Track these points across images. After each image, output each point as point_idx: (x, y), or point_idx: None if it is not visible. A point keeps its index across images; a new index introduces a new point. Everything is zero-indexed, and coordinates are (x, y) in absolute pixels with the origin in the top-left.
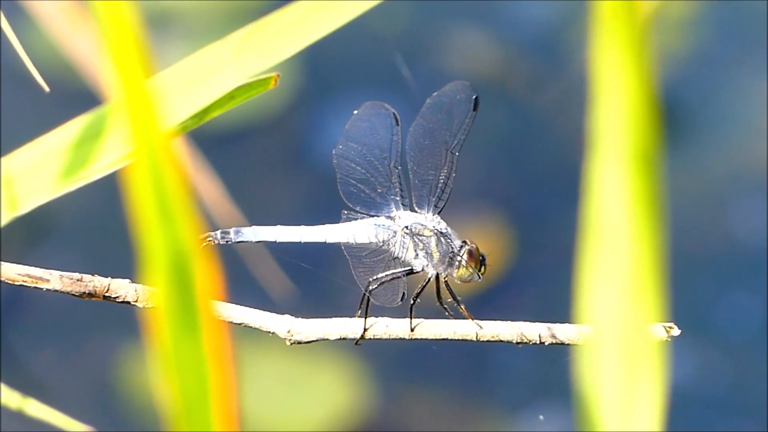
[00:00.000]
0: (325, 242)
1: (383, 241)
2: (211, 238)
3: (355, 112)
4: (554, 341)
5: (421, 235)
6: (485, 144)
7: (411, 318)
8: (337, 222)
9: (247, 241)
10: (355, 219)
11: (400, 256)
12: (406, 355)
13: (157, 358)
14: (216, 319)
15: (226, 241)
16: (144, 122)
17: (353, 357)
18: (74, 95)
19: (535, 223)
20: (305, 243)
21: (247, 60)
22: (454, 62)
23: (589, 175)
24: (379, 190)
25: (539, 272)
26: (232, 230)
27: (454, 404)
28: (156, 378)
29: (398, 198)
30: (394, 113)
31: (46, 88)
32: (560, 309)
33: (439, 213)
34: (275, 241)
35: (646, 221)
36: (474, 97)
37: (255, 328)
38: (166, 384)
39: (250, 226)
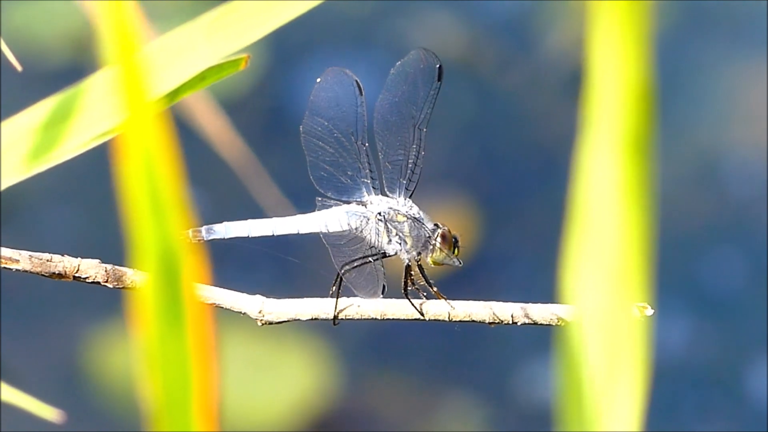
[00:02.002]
0: (299, 233)
1: (356, 228)
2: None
3: (318, 80)
4: (527, 321)
5: (394, 221)
6: (453, 125)
7: (412, 304)
8: (312, 211)
9: (219, 239)
10: (328, 207)
11: (374, 242)
12: (374, 338)
13: (138, 342)
14: (201, 308)
15: (198, 240)
16: (134, 93)
17: (321, 340)
18: (47, 75)
19: (503, 204)
20: (278, 236)
21: (219, 41)
22: (422, 43)
23: (579, 157)
24: (349, 173)
25: (507, 252)
26: (203, 228)
27: (421, 388)
28: (135, 364)
29: (369, 180)
30: (356, 81)
31: (19, 67)
32: (529, 288)
33: (410, 195)
34: (248, 236)
35: (635, 204)
36: (437, 66)
37: (226, 309)
38: (148, 372)
39: (222, 222)
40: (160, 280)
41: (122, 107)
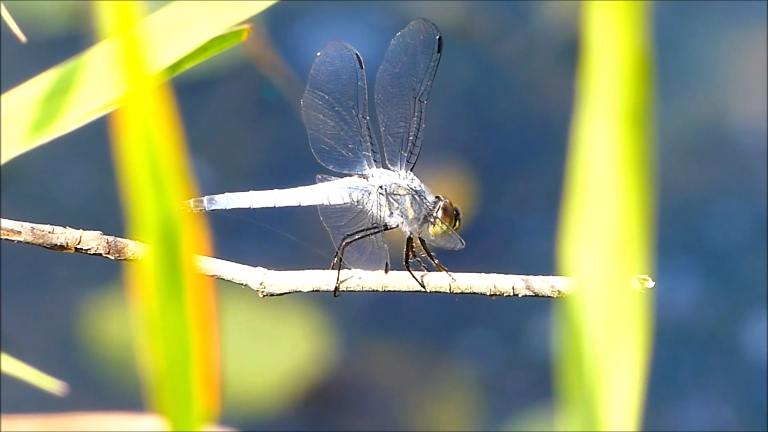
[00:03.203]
0: (300, 205)
1: (358, 201)
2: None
3: (318, 54)
4: (528, 293)
5: (395, 194)
6: (449, 94)
7: (413, 276)
8: (311, 184)
9: (220, 209)
10: (329, 180)
11: (375, 215)
12: (371, 308)
13: (139, 313)
14: (201, 278)
15: (199, 210)
16: (133, 66)
17: (318, 310)
18: (46, 44)
19: (500, 172)
20: (280, 207)
21: (221, 12)
22: (418, 12)
23: (578, 128)
24: (350, 146)
25: (504, 221)
26: (205, 198)
27: (419, 357)
28: (134, 334)
29: (370, 153)
30: (357, 54)
31: (23, 38)
32: (527, 256)
33: (412, 168)
34: (249, 207)
35: (634, 174)
36: (437, 37)
37: (228, 280)
38: (149, 342)
39: (223, 193)
40: (160, 251)
41: (122, 80)
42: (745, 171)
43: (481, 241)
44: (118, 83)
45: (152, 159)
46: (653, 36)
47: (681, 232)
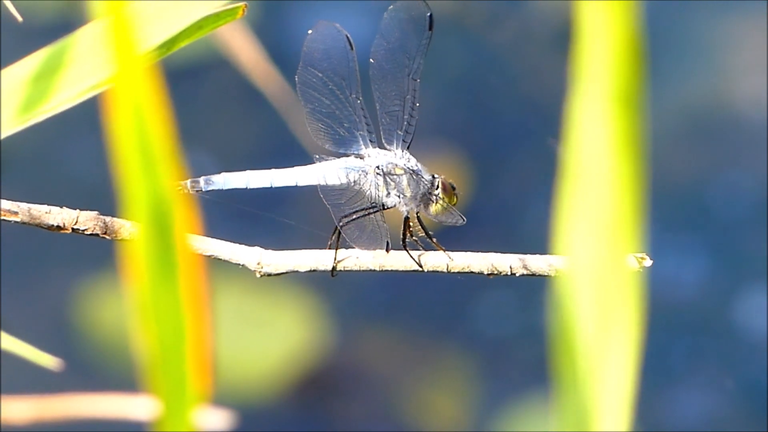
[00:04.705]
0: (297, 185)
1: (354, 181)
2: (180, 187)
3: (310, 31)
4: (526, 272)
5: (392, 174)
6: (443, 80)
7: (410, 255)
8: (308, 164)
9: (217, 190)
10: (327, 160)
11: (373, 195)
12: (366, 294)
13: (131, 295)
14: (194, 259)
15: (196, 191)
16: (123, 45)
17: (313, 296)
18: (49, 32)
19: (494, 158)
20: (276, 188)
21: None
22: None
23: (571, 110)
24: (346, 125)
25: (500, 205)
26: (201, 179)
27: (414, 344)
28: (128, 317)
29: (365, 133)
30: (347, 36)
31: (19, 18)
32: (522, 240)
33: (408, 147)
34: (246, 188)
35: (627, 157)
36: (428, 14)
37: (225, 261)
38: (142, 324)
39: (220, 173)
40: (152, 231)
41: (111, 60)
42: (749, 146)
43: (476, 227)
44: (108, 63)
45: (142, 139)
46: (659, 19)
47: (685, 209)
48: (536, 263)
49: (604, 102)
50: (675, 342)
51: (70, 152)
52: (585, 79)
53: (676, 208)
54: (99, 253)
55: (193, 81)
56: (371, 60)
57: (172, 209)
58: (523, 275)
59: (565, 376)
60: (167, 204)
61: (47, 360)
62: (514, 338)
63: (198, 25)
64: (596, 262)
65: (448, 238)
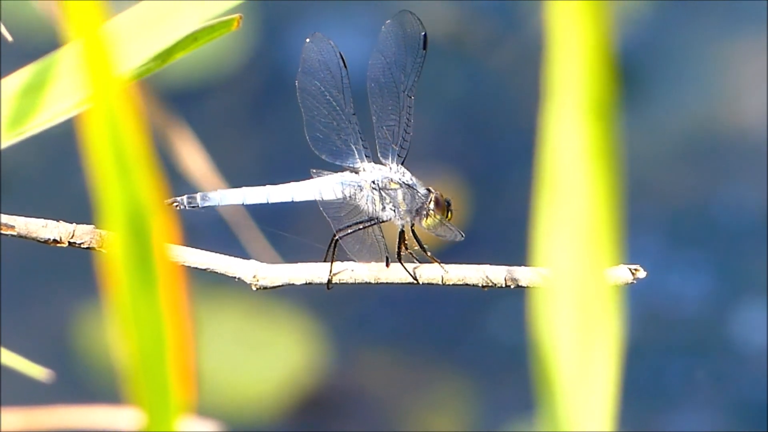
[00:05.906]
0: (293, 200)
1: (350, 196)
2: (176, 204)
3: (307, 40)
4: (521, 284)
5: (387, 189)
6: (441, 102)
7: (405, 268)
8: (305, 179)
9: (214, 206)
10: (322, 175)
11: (368, 209)
12: (364, 315)
13: (112, 308)
14: (173, 269)
15: (193, 207)
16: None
17: (311, 317)
18: (41, 47)
19: (491, 183)
20: (273, 203)
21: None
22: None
23: (545, 121)
24: (343, 137)
25: (495, 231)
26: (198, 195)
27: (412, 366)
28: (111, 331)
29: (361, 147)
30: (340, 54)
31: (9, 38)
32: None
33: (402, 162)
34: (243, 204)
35: (601, 168)
36: (422, 34)
37: (221, 274)
38: (122, 336)
39: (216, 189)
40: (130, 244)
41: (86, 81)
42: (751, 163)
43: (474, 248)
44: (83, 84)
45: (117, 153)
46: (663, 37)
47: (688, 225)
48: (530, 275)
49: (578, 113)
50: (674, 359)
51: (75, 169)
52: (558, 90)
53: (679, 224)
54: (91, 267)
55: (193, 103)
56: (369, 74)
57: (149, 221)
58: (518, 287)
59: (545, 389)
60: (144, 216)
61: (38, 372)
62: (513, 359)
63: (193, 37)
64: (573, 273)
65: (445, 260)
